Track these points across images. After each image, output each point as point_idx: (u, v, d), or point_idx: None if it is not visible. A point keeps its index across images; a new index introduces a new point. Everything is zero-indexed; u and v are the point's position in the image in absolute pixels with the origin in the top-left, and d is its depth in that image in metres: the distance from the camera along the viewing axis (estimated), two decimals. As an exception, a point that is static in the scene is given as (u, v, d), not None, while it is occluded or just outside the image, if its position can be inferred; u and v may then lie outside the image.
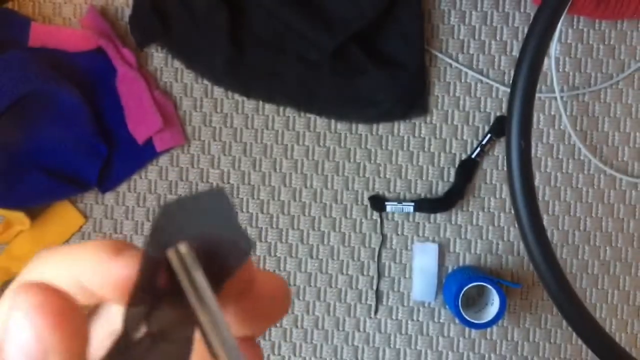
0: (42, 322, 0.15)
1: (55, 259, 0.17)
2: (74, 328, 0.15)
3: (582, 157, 0.77)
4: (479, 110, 0.77)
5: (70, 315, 0.15)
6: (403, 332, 0.77)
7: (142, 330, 0.17)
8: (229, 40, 0.73)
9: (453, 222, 0.77)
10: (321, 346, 0.78)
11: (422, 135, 0.77)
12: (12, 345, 0.15)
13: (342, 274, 0.77)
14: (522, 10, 0.76)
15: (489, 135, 0.75)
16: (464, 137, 0.77)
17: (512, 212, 0.69)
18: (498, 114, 0.76)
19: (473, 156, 0.76)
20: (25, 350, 0.15)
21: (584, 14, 0.74)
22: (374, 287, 0.77)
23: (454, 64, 0.76)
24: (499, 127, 0.75)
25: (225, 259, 0.17)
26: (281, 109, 0.77)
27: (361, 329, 0.78)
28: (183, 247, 0.17)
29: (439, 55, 0.76)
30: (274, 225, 0.77)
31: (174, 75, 0.77)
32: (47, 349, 0.15)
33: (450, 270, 0.77)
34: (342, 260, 0.77)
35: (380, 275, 0.77)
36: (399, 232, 0.77)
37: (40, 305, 0.15)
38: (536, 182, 0.77)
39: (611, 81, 0.76)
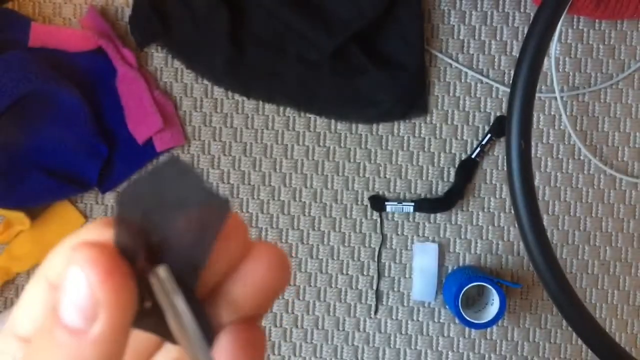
0: (93, 276, 0.16)
1: (62, 244, 0.19)
2: (122, 283, 0.16)
3: (582, 157, 0.77)
4: (479, 110, 0.77)
5: (119, 271, 0.16)
6: (403, 332, 0.77)
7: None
8: (229, 40, 0.74)
9: (453, 222, 0.77)
10: (321, 346, 0.78)
11: (422, 135, 0.77)
12: (67, 298, 0.16)
13: (342, 274, 0.77)
14: (522, 10, 0.76)
15: (489, 135, 0.75)
16: (464, 137, 0.77)
17: (512, 212, 0.69)
18: (498, 114, 0.76)
19: (473, 156, 0.76)
20: (78, 303, 0.16)
21: (584, 14, 0.74)
22: (374, 287, 0.77)
23: (454, 64, 0.76)
24: (499, 127, 0.75)
25: (205, 222, 0.17)
26: (281, 109, 0.77)
27: (361, 329, 0.78)
28: (162, 272, 0.17)
29: (439, 55, 0.76)
30: (274, 225, 0.77)
31: (174, 75, 0.77)
32: (97, 302, 0.16)
33: (450, 270, 0.77)
34: (342, 260, 0.77)
35: (380, 275, 0.77)
36: (399, 232, 0.77)
37: (92, 260, 0.16)
38: (536, 182, 0.77)
39: (611, 81, 0.76)
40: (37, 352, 0.17)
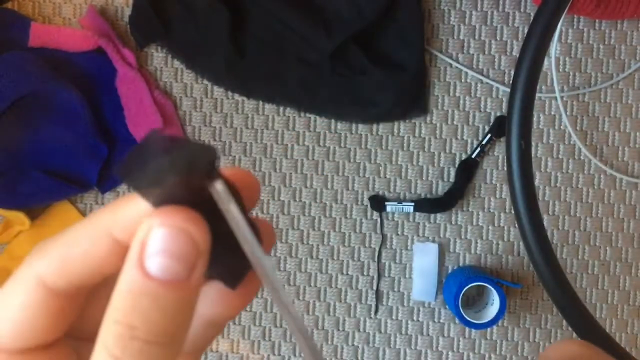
0: (197, 231, 0.17)
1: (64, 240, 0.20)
2: (208, 232, 0.18)
3: (582, 157, 0.77)
4: (479, 110, 0.77)
5: (204, 223, 0.18)
6: (403, 332, 0.77)
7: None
8: (229, 40, 0.73)
9: (453, 222, 0.77)
10: (321, 346, 0.77)
11: (422, 135, 0.77)
12: (164, 255, 0.17)
13: (342, 274, 0.77)
14: (522, 10, 0.76)
15: (489, 135, 0.75)
16: (464, 137, 0.77)
17: (512, 212, 0.69)
18: (498, 114, 0.76)
19: (473, 156, 0.76)
20: (180, 256, 0.17)
21: (584, 14, 0.74)
22: (374, 287, 0.77)
23: (454, 64, 0.76)
24: (499, 127, 0.75)
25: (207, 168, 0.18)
26: (281, 109, 0.77)
27: (361, 329, 0.78)
28: (219, 185, 0.18)
29: (439, 55, 0.76)
30: (274, 225, 0.77)
31: (174, 75, 0.77)
32: (200, 252, 0.18)
33: (450, 270, 0.77)
34: (342, 261, 0.77)
35: (380, 275, 0.77)
36: (399, 232, 0.77)
37: (190, 218, 0.18)
38: (536, 182, 0.77)
39: (611, 81, 0.76)
40: (133, 313, 0.17)
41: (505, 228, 0.77)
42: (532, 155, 0.74)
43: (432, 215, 0.77)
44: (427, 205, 0.75)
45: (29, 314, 0.19)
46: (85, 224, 0.19)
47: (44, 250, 0.19)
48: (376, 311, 0.77)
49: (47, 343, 0.20)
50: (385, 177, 0.77)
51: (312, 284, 0.77)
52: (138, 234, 0.18)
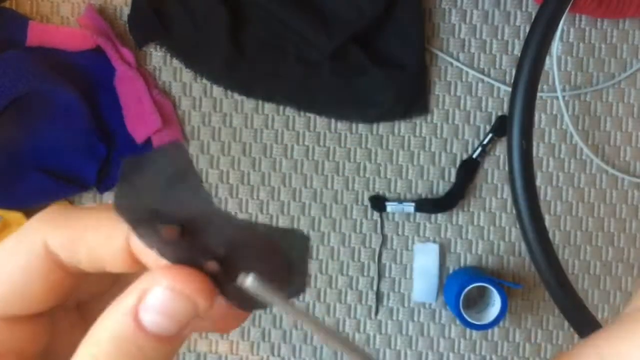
0: (195, 290, 0.18)
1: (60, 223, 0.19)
2: (213, 296, 0.18)
3: (584, 157, 0.76)
4: (480, 110, 0.76)
5: (211, 287, 0.18)
6: (403, 333, 0.77)
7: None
8: (228, 39, 0.73)
9: (454, 223, 0.76)
10: (321, 347, 0.77)
11: (422, 135, 0.76)
12: (161, 314, 0.17)
13: (342, 274, 0.77)
14: (523, 9, 0.76)
15: (490, 135, 0.75)
16: (465, 137, 0.76)
17: (514, 212, 0.68)
18: (499, 113, 0.76)
19: (474, 156, 0.75)
20: (177, 317, 0.17)
21: (586, 13, 0.73)
22: (375, 288, 0.77)
23: (455, 63, 0.76)
24: (501, 127, 0.75)
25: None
26: (281, 108, 0.76)
27: (361, 330, 0.77)
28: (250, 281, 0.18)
29: (440, 54, 0.76)
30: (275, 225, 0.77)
31: (173, 75, 0.76)
32: (198, 314, 0.18)
33: (451, 270, 0.77)
34: (342, 261, 0.77)
35: (380, 276, 0.77)
36: (400, 233, 0.77)
37: (190, 278, 0.18)
38: (537, 182, 0.76)
39: (613, 80, 0.76)
40: (115, 356, 0.17)
41: (507, 228, 0.77)
42: (534, 155, 0.74)
43: (433, 216, 0.76)
44: (428, 205, 0.75)
45: (28, 280, 0.18)
46: (103, 217, 0.19)
47: (56, 221, 0.19)
48: (376, 312, 0.77)
49: (34, 314, 0.19)
50: (386, 177, 0.76)
51: (312, 285, 0.77)
52: (138, 283, 0.18)
